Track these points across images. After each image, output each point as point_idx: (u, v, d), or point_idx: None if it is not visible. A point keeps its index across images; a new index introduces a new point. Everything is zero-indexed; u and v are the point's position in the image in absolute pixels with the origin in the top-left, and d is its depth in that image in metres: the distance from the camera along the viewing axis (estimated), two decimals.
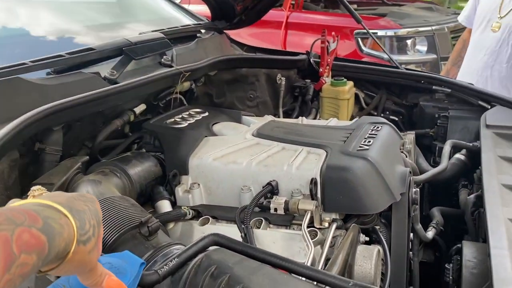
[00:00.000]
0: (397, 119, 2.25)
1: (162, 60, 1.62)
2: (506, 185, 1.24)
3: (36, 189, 0.61)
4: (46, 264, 0.50)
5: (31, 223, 0.47)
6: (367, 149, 1.17)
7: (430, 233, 1.49)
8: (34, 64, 1.21)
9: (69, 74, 1.30)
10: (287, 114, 2.19)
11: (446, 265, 1.45)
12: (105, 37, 1.90)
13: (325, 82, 2.15)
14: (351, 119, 2.17)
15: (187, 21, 2.29)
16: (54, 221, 0.51)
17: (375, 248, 1.02)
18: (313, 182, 1.09)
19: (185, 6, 3.11)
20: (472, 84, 2.00)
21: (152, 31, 1.78)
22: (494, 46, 2.30)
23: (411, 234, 1.38)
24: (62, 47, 1.61)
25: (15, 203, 0.53)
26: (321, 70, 2.15)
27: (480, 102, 1.88)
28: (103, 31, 1.97)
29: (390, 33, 3.53)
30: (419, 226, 1.42)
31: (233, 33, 2.37)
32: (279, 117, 2.09)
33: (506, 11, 2.25)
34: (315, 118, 2.14)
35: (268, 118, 1.55)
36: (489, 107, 1.83)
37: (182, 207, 1.17)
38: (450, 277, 1.38)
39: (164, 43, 1.68)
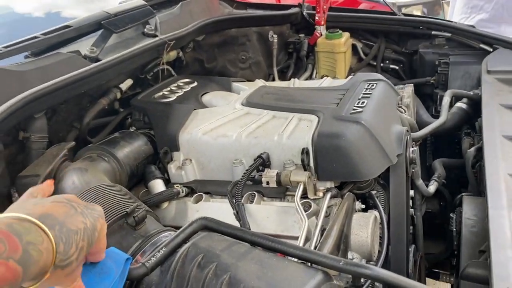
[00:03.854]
0: (397, 67, 2.18)
1: (145, 30, 1.54)
2: (507, 136, 1.20)
3: None
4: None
5: (10, 253, 0.47)
6: (361, 111, 1.12)
7: (432, 187, 1.47)
8: (7, 50, 1.16)
9: (46, 56, 1.24)
10: (282, 73, 2.12)
11: (451, 215, 1.44)
12: (89, 9, 1.81)
13: (320, 35, 2.06)
14: (349, 72, 2.11)
15: None
16: (34, 248, 0.50)
17: (371, 215, 1.00)
18: (304, 152, 1.05)
19: None
20: (474, 27, 1.91)
21: None
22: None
23: (412, 191, 1.36)
24: (42, 24, 1.54)
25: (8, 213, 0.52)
26: (317, 18, 2.06)
27: (482, 45, 1.79)
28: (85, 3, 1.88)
29: None
30: (420, 182, 1.39)
31: None
32: (273, 77, 2.03)
33: None
34: (311, 75, 2.07)
35: (259, 83, 1.49)
36: (491, 50, 1.75)
37: (175, 186, 1.15)
38: (454, 229, 1.38)
39: (146, 11, 1.60)
